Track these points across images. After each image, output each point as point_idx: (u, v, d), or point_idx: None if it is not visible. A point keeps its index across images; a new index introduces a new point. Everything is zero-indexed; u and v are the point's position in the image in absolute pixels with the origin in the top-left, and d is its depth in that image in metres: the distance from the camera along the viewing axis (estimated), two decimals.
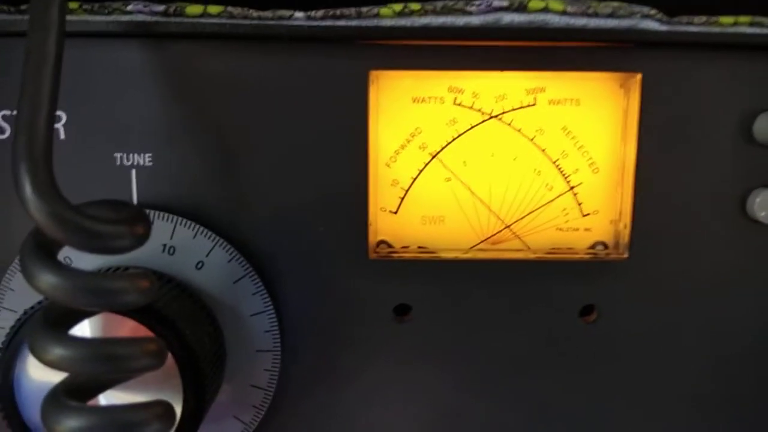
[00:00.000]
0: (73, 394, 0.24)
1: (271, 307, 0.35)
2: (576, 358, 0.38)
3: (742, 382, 0.39)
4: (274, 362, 0.36)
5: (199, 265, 0.34)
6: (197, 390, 0.30)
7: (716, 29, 0.34)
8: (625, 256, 0.37)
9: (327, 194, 0.36)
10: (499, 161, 0.38)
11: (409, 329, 0.38)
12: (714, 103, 0.36)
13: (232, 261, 0.35)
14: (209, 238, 0.34)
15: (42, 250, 0.25)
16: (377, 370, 0.38)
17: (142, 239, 0.25)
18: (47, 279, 0.24)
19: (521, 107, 0.38)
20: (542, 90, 0.38)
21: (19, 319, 0.29)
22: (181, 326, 0.29)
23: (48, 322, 0.25)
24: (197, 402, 0.29)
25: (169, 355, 0.29)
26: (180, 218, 0.34)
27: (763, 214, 0.36)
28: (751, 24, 0.34)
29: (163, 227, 0.34)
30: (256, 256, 0.36)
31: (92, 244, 0.24)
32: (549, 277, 0.38)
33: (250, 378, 0.36)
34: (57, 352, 0.24)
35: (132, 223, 0.25)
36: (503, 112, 0.38)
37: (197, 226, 0.34)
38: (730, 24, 0.34)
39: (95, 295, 0.24)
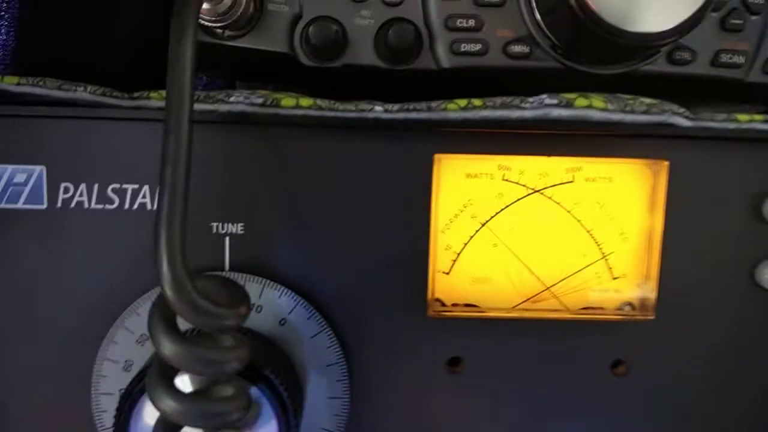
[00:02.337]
0: None
1: (343, 358, 0.40)
2: (608, 410, 0.43)
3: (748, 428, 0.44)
4: (344, 408, 0.40)
5: (283, 321, 0.39)
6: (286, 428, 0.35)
7: (734, 125, 0.40)
8: (651, 316, 0.42)
9: (393, 258, 0.41)
10: (540, 230, 0.43)
11: (461, 381, 0.42)
12: (730, 186, 0.41)
13: (311, 318, 0.39)
14: (291, 297, 0.39)
15: (166, 319, 0.30)
16: (431, 416, 0.43)
17: (245, 319, 0.30)
18: (168, 347, 0.28)
19: (561, 183, 0.43)
20: (579, 169, 0.43)
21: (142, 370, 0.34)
22: (273, 377, 0.34)
23: (162, 376, 0.30)
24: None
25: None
26: (267, 280, 0.39)
27: None
28: (765, 121, 0.40)
29: (252, 288, 0.39)
30: (330, 314, 0.40)
31: (208, 325, 0.29)
32: (585, 333, 0.43)
33: (322, 422, 0.40)
34: (168, 404, 0.29)
35: (240, 305, 0.30)
36: (545, 188, 0.43)
37: (282, 287, 0.39)
38: (746, 121, 0.40)
39: (203, 364, 0.29)
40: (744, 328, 0.43)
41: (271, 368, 0.35)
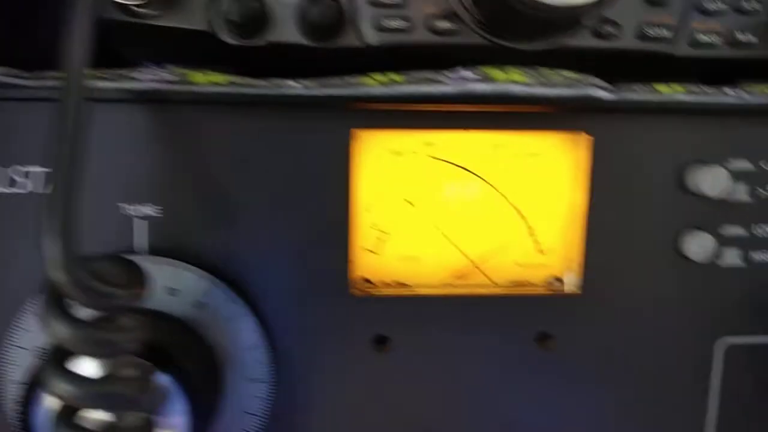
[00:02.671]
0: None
1: (264, 341, 0.39)
2: (537, 384, 0.43)
3: (680, 400, 0.45)
4: (266, 391, 0.40)
5: (200, 304, 0.38)
6: (197, 413, 0.34)
7: (655, 97, 0.40)
8: (577, 290, 0.42)
9: (313, 237, 0.40)
10: (467, 206, 0.43)
11: (387, 359, 0.42)
12: (653, 157, 0.41)
13: (229, 300, 0.39)
14: (208, 280, 0.38)
15: (55, 301, 0.29)
16: (359, 397, 0.42)
17: (139, 299, 0.30)
18: (59, 330, 0.28)
19: (487, 159, 0.43)
20: (505, 145, 0.43)
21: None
22: (184, 364, 0.33)
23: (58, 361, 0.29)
24: (197, 424, 0.33)
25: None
26: (183, 263, 0.38)
27: (693, 252, 0.41)
28: (686, 92, 0.40)
29: (167, 271, 0.38)
30: (250, 296, 0.40)
31: (99, 306, 0.28)
32: (511, 309, 0.42)
33: (246, 405, 0.40)
34: (64, 388, 0.28)
35: (135, 285, 0.29)
36: (471, 163, 0.43)
37: (198, 270, 0.38)
38: (667, 92, 0.40)
39: (93, 345, 0.28)
40: (670, 299, 0.43)
41: (180, 351, 0.34)
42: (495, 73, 0.38)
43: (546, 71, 0.40)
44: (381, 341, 0.42)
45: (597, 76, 0.41)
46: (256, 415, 0.40)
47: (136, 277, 0.31)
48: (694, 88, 0.40)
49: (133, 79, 0.37)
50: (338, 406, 0.42)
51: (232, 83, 0.37)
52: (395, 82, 0.38)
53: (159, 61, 0.50)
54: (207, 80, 0.37)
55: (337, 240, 0.40)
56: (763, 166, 0.42)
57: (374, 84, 0.38)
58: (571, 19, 0.39)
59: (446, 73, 0.38)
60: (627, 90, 0.39)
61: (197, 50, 0.45)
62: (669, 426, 0.45)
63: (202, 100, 0.37)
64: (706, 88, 0.40)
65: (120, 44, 0.44)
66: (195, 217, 0.39)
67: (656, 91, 0.40)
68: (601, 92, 0.39)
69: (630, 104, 0.39)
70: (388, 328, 0.42)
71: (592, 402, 0.44)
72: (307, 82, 0.37)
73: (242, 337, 0.39)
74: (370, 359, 0.42)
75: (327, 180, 0.40)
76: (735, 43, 0.44)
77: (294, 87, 0.37)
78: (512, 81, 0.38)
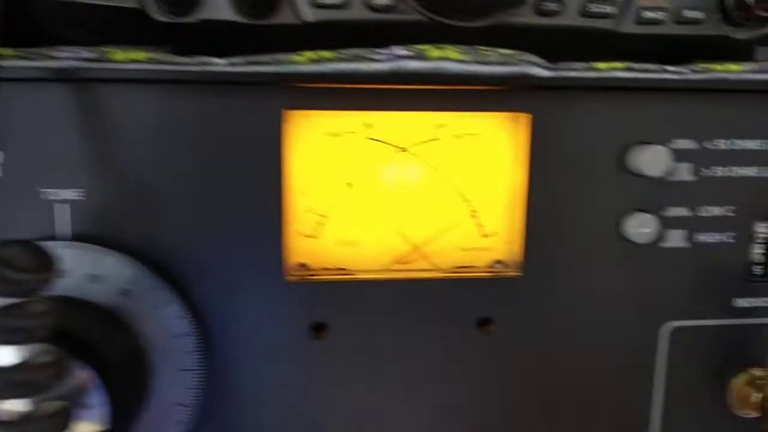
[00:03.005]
0: None
1: (194, 329, 0.38)
2: (478, 368, 0.42)
3: (625, 383, 0.44)
4: (197, 381, 0.38)
5: (125, 292, 0.37)
6: (117, 404, 0.33)
7: (594, 74, 0.39)
8: (518, 273, 0.42)
9: (246, 221, 0.39)
10: (408, 189, 0.42)
11: (326, 346, 0.41)
12: (593, 137, 0.41)
13: (156, 288, 0.37)
14: (134, 267, 0.37)
15: None
16: (296, 386, 0.41)
17: (46, 284, 0.28)
18: None
19: (428, 140, 0.42)
20: (445, 126, 0.42)
21: None
22: (99, 352, 0.32)
23: None
24: (118, 415, 0.32)
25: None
26: (106, 249, 0.37)
27: (635, 234, 0.41)
28: (625, 69, 0.39)
29: (90, 257, 0.36)
30: (180, 282, 0.38)
31: (7, 292, 0.27)
32: (453, 293, 0.42)
33: (176, 396, 0.38)
34: None
35: (43, 271, 0.28)
36: (411, 145, 0.41)
37: (122, 256, 0.37)
38: (606, 69, 0.39)
39: (6, 332, 0.27)
40: (613, 281, 0.42)
41: (100, 339, 0.33)
42: (429, 50, 0.37)
43: (483, 49, 0.38)
44: (319, 328, 0.41)
45: (542, 55, 0.40)
46: (187, 406, 0.39)
47: (45, 263, 0.29)
48: (634, 65, 0.39)
49: (51, 57, 0.35)
50: (274, 395, 0.41)
51: (153, 60, 0.35)
52: (325, 59, 0.36)
53: (89, 42, 0.49)
54: (126, 57, 0.35)
55: (269, 224, 0.39)
56: (707, 145, 0.41)
57: (303, 61, 0.36)
58: None
59: (378, 50, 0.37)
60: (564, 67, 0.38)
61: (128, 29, 0.43)
62: (614, 410, 0.44)
63: (122, 78, 0.36)
64: (647, 65, 0.39)
65: (50, 26, 0.43)
66: (119, 201, 0.37)
67: (595, 68, 0.39)
68: (538, 69, 0.38)
69: (567, 81, 0.38)
70: (326, 315, 0.41)
71: (534, 386, 0.43)
72: (234, 59, 0.36)
73: (170, 326, 0.37)
74: (308, 346, 0.41)
75: (258, 162, 0.38)
76: (682, 21, 0.43)
77: (219, 64, 0.36)
78: (446, 58, 0.37)
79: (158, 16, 0.41)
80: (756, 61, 0.46)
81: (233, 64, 0.36)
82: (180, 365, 0.38)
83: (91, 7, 0.41)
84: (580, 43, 0.45)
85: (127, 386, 0.34)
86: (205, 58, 0.36)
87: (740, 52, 0.46)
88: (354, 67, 0.37)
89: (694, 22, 0.43)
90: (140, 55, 0.35)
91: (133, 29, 0.43)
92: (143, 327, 0.37)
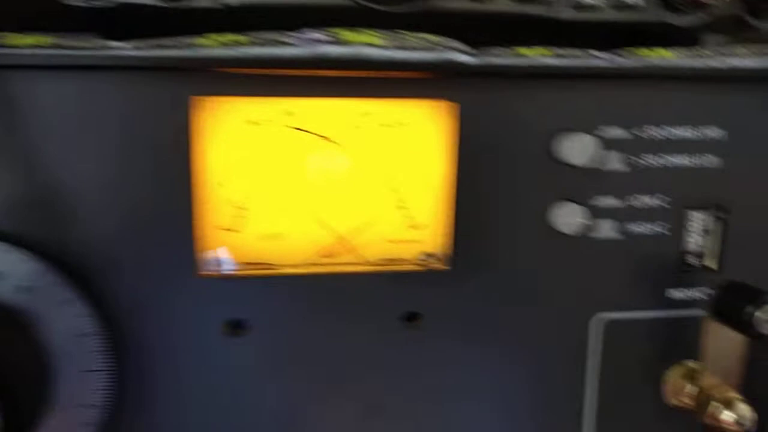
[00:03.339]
0: None
1: (99, 328, 0.36)
2: (404, 363, 0.41)
3: (556, 377, 0.43)
4: (106, 381, 0.36)
5: (27, 289, 0.35)
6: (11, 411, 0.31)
7: (519, 60, 0.37)
8: (445, 266, 0.40)
9: (155, 215, 0.37)
10: (332, 179, 0.40)
11: (244, 343, 0.39)
12: (521, 126, 0.39)
13: (59, 285, 0.35)
14: (36, 262, 0.35)
15: None
16: (210, 384, 0.39)
17: None
18: None
19: (352, 129, 0.40)
20: (371, 113, 0.40)
21: None
22: None
23: None
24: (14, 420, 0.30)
25: None
26: (7, 244, 0.34)
27: (564, 224, 0.40)
28: (552, 55, 0.38)
29: None
30: (84, 280, 0.36)
31: None
32: (380, 287, 0.40)
33: (82, 398, 0.36)
34: None
35: None
36: (335, 133, 0.40)
37: (24, 251, 0.35)
38: (532, 55, 0.37)
39: None
40: (542, 273, 0.41)
41: None
42: (348, 34, 0.35)
43: (407, 34, 0.37)
44: (236, 325, 0.39)
45: (476, 45, 0.38)
46: (96, 407, 0.37)
47: None
48: (561, 50, 0.38)
49: None
50: (190, 394, 0.39)
51: (56, 45, 0.33)
52: (239, 44, 0.34)
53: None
54: (26, 42, 0.33)
55: (181, 218, 0.37)
56: (639, 133, 0.40)
57: (213, 45, 0.34)
58: None
59: (294, 34, 0.35)
60: (490, 54, 0.37)
61: (45, 16, 0.41)
62: (545, 404, 0.43)
63: (19, 65, 0.33)
64: (574, 51, 0.38)
65: None
66: (20, 193, 0.35)
67: (520, 54, 0.37)
68: (463, 56, 0.37)
69: (494, 69, 0.37)
70: (244, 311, 0.39)
71: (462, 381, 0.42)
72: (137, 43, 0.34)
73: (73, 324, 0.35)
74: (224, 344, 0.39)
75: (167, 152, 0.36)
76: (621, 6, 0.42)
77: (121, 48, 0.34)
78: (366, 43, 0.36)
79: (73, 1, 0.38)
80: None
81: (137, 48, 0.34)
82: (85, 366, 0.36)
83: None
84: (516, 31, 0.44)
85: (26, 389, 0.31)
86: (106, 42, 0.34)
87: (688, 39, 0.45)
88: (268, 51, 0.35)
89: (633, 8, 0.42)
90: (42, 39, 0.33)
91: (48, 16, 0.40)
92: (45, 326, 0.35)
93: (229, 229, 0.40)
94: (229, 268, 0.39)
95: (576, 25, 0.43)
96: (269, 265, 0.41)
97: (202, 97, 0.36)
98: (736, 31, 0.46)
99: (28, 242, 0.35)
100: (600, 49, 0.44)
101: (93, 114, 0.35)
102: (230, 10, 0.40)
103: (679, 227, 0.42)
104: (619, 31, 0.44)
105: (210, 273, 0.38)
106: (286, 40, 0.35)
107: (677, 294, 0.43)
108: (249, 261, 0.41)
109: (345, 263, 0.41)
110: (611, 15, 0.42)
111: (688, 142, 0.41)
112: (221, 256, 0.40)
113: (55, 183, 0.36)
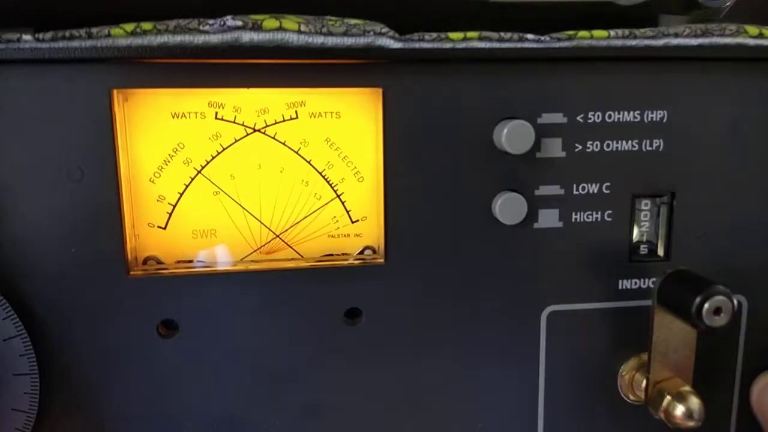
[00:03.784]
0: None
1: (24, 330, 0.35)
2: (344, 360, 0.40)
3: (506, 372, 0.42)
4: (33, 385, 0.35)
5: None
6: None
7: (448, 45, 0.36)
8: (382, 260, 0.39)
9: (81, 213, 0.36)
10: (266, 173, 0.39)
11: (177, 345, 0.38)
12: (453, 113, 0.38)
13: None
14: None
15: None
16: (143, 388, 0.38)
17: None
18: None
19: (284, 120, 0.39)
20: (303, 104, 0.39)
21: None
22: None
23: None
24: None
25: None
26: None
27: (504, 214, 0.38)
28: (480, 38, 0.36)
29: None
30: (6, 281, 0.35)
31: None
32: (319, 283, 0.39)
33: (11, 402, 0.35)
34: None
35: None
36: (266, 126, 0.39)
37: None
38: (460, 39, 0.36)
39: None
40: (481, 264, 0.40)
41: None
42: (266, 20, 0.34)
43: (329, 19, 0.36)
44: (168, 326, 0.38)
45: (406, 28, 0.37)
46: (25, 412, 0.36)
47: None
48: (490, 34, 0.36)
49: None
50: (124, 397, 0.38)
51: None
52: (145, 32, 0.33)
53: None
54: None
55: (108, 217, 0.36)
56: (578, 118, 0.39)
57: (122, 34, 0.33)
58: None
59: (209, 21, 0.34)
60: (416, 38, 0.36)
61: None
62: (494, 402, 0.42)
63: None
64: (504, 34, 0.36)
65: None
66: None
67: (448, 38, 0.36)
68: (387, 40, 0.36)
69: (418, 54, 0.36)
70: (176, 311, 0.38)
71: (405, 379, 0.40)
72: (43, 35, 0.33)
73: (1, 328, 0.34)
74: (157, 346, 0.38)
75: (90, 148, 0.35)
76: None
77: (28, 40, 0.33)
78: (285, 29, 0.34)
79: None
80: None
81: (41, 41, 0.33)
82: (12, 369, 0.35)
83: None
84: (450, 14, 0.42)
85: None
86: (11, 35, 0.33)
87: (643, 21, 0.44)
88: (179, 39, 0.34)
89: None
90: None
91: None
92: None
93: (161, 227, 0.39)
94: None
95: (516, 7, 0.41)
96: (204, 263, 0.39)
97: (123, 90, 0.35)
98: (685, 10, 0.44)
99: None
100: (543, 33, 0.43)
101: (12, 109, 0.34)
102: None
103: (624, 215, 0.41)
104: (566, 14, 0.42)
105: (140, 272, 0.37)
106: (202, 27, 0.34)
107: (627, 284, 0.41)
108: (182, 259, 0.39)
109: (283, 260, 0.40)
110: None
111: (631, 125, 0.40)
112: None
113: None
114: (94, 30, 0.33)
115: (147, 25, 0.33)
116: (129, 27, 0.33)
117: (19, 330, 0.35)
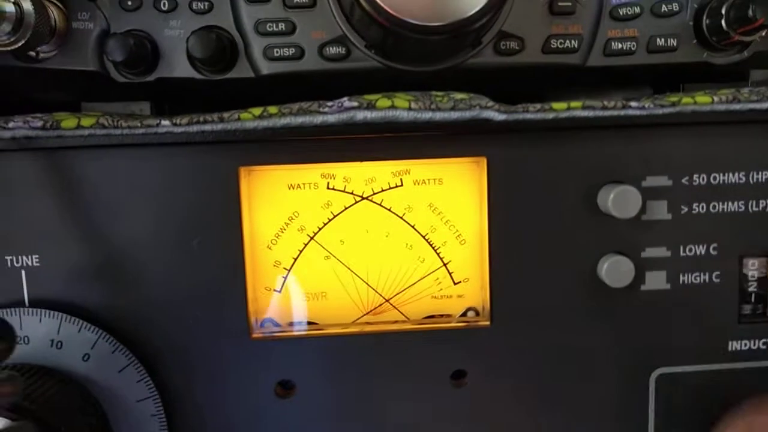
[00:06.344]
0: None
1: (155, 392, 0.38)
2: (451, 420, 0.41)
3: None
4: None
5: (86, 357, 0.37)
6: None
7: (551, 115, 0.37)
8: (487, 323, 0.40)
9: (208, 280, 0.38)
10: (373, 238, 0.41)
11: (293, 404, 0.40)
12: (557, 178, 0.39)
13: (116, 351, 0.37)
14: (93, 331, 0.37)
15: None
16: None
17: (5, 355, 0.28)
18: None
19: (390, 188, 0.41)
20: (407, 172, 0.41)
21: None
22: (55, 422, 0.32)
23: None
24: None
25: None
26: (65, 315, 0.37)
27: (610, 277, 0.39)
28: (583, 107, 0.37)
29: (50, 324, 0.36)
30: (139, 345, 0.38)
31: None
32: (425, 344, 0.40)
33: None
34: None
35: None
36: (373, 193, 0.41)
37: (81, 321, 0.37)
38: (563, 109, 0.37)
39: None
40: (587, 327, 0.40)
41: (54, 407, 0.32)
42: (379, 100, 0.37)
43: (436, 94, 0.38)
44: (285, 386, 0.40)
45: (504, 95, 0.39)
46: None
47: (4, 332, 0.29)
48: (593, 103, 0.37)
49: (4, 128, 0.36)
50: None
51: (99, 124, 0.36)
52: (271, 115, 0.36)
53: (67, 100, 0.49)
54: (74, 124, 0.36)
55: (232, 283, 0.38)
56: (684, 181, 0.39)
57: (250, 118, 0.36)
58: (457, 37, 0.37)
59: (327, 103, 0.37)
60: (520, 110, 0.37)
61: (87, 91, 0.44)
62: None
63: (75, 145, 0.36)
64: (606, 103, 0.37)
65: (26, 89, 0.44)
66: (75, 265, 0.37)
67: (552, 109, 0.37)
68: (492, 113, 0.37)
69: (525, 125, 0.37)
70: (293, 372, 0.40)
71: None
72: (178, 119, 0.36)
73: (131, 389, 0.37)
74: (275, 405, 0.40)
75: (218, 221, 0.38)
76: (655, 50, 0.42)
77: (166, 125, 0.36)
78: (396, 107, 0.37)
79: (119, 77, 0.41)
80: (748, 84, 0.44)
81: (178, 125, 0.36)
82: (143, 429, 0.37)
83: (58, 71, 0.42)
84: (545, 79, 0.44)
85: None
86: (151, 120, 0.36)
87: (731, 76, 0.44)
88: (301, 120, 0.36)
89: (668, 50, 0.42)
90: (87, 120, 0.36)
91: (104, 87, 0.43)
92: (107, 392, 0.37)
93: (276, 291, 0.41)
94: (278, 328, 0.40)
95: (611, 69, 0.42)
96: (316, 325, 0.41)
97: (249, 167, 0.38)
98: None
99: (86, 313, 0.37)
100: (639, 89, 0.43)
101: (145, 188, 0.37)
102: (263, 79, 0.41)
103: (732, 276, 0.40)
104: (658, 71, 0.43)
105: (261, 335, 0.39)
106: (321, 109, 0.36)
107: (736, 345, 0.41)
108: (296, 321, 0.41)
109: (389, 321, 0.42)
110: (645, 59, 0.42)
111: (737, 187, 0.40)
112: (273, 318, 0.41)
113: (108, 254, 0.38)
114: (225, 114, 0.36)
115: (273, 109, 0.36)
116: (257, 111, 0.36)
117: (151, 392, 0.37)
